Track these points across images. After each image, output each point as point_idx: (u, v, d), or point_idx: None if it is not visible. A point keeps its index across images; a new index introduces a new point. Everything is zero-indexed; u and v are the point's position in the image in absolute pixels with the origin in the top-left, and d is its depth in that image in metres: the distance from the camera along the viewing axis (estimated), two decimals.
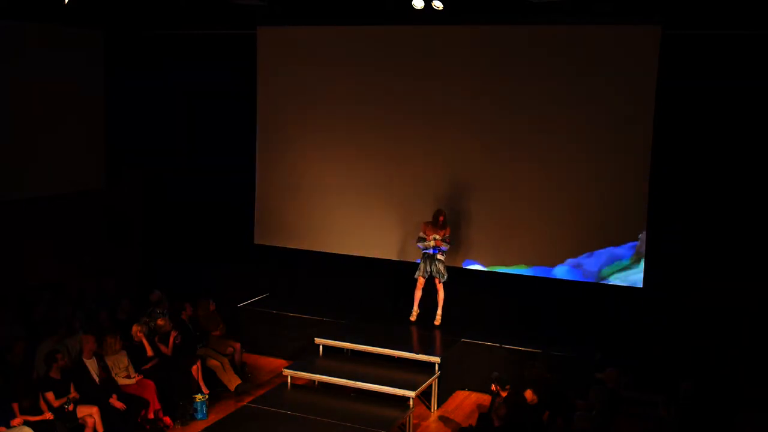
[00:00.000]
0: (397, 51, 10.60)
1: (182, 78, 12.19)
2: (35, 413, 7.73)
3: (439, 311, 10.31)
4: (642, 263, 9.57)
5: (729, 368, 9.20)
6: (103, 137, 12.02)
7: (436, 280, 10.17)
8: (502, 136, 10.18)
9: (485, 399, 9.23)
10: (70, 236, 11.49)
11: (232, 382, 9.59)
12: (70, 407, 8.01)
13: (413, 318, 10.37)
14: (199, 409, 8.98)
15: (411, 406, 8.76)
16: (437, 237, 9.98)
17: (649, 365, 9.50)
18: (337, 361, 9.77)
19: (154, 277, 12.09)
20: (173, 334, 9.35)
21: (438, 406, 9.43)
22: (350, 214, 11.06)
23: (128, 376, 8.76)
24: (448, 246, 10.09)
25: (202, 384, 9.26)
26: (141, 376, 8.81)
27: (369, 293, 11.26)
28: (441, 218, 9.99)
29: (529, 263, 10.16)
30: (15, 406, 7.68)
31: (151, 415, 8.61)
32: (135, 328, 9.16)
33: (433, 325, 10.27)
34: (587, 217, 9.89)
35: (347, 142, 10.99)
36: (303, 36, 11.11)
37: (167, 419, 8.73)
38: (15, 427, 7.55)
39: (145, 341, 9.08)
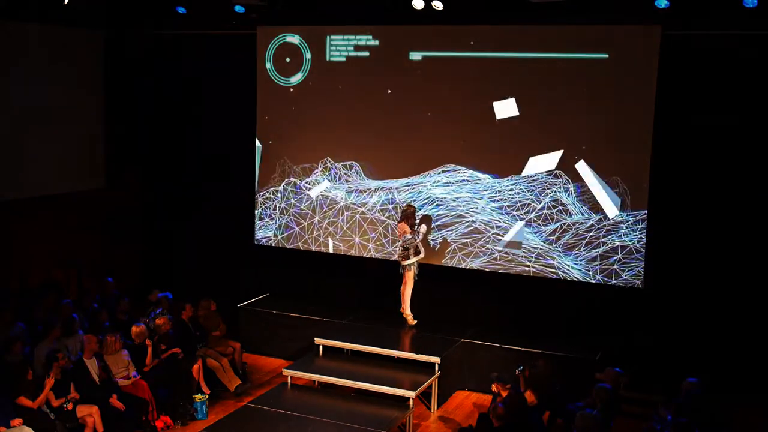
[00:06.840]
0: (397, 51, 10.59)
1: (182, 78, 12.18)
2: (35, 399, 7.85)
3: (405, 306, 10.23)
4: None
5: (729, 368, 9.19)
6: (103, 137, 12.02)
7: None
8: (499, 138, 10.18)
9: (485, 399, 9.24)
10: (70, 236, 11.48)
11: (232, 382, 9.59)
12: (69, 406, 8.02)
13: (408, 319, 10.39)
14: (199, 409, 8.99)
15: (411, 406, 8.77)
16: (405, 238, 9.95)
17: (649, 365, 9.50)
18: (337, 361, 9.78)
19: (154, 277, 12.11)
20: (163, 347, 9.23)
21: (438, 406, 9.43)
22: (350, 213, 11.06)
23: (127, 377, 8.76)
24: (413, 239, 9.94)
25: (203, 384, 9.26)
26: (139, 377, 8.80)
27: (369, 293, 11.26)
28: (407, 209, 10.03)
29: None
30: (18, 400, 7.73)
31: (154, 415, 8.62)
32: (134, 329, 9.14)
33: (433, 324, 10.29)
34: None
35: (347, 142, 10.99)
36: (303, 36, 11.10)
37: (167, 419, 8.74)
38: (15, 427, 7.56)
39: (150, 350, 9.03)
